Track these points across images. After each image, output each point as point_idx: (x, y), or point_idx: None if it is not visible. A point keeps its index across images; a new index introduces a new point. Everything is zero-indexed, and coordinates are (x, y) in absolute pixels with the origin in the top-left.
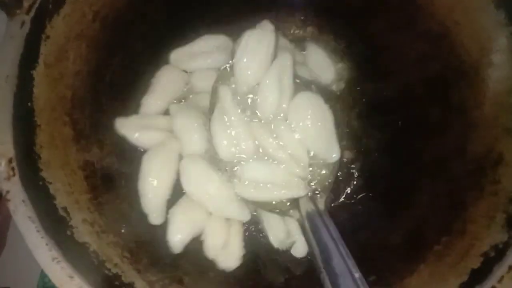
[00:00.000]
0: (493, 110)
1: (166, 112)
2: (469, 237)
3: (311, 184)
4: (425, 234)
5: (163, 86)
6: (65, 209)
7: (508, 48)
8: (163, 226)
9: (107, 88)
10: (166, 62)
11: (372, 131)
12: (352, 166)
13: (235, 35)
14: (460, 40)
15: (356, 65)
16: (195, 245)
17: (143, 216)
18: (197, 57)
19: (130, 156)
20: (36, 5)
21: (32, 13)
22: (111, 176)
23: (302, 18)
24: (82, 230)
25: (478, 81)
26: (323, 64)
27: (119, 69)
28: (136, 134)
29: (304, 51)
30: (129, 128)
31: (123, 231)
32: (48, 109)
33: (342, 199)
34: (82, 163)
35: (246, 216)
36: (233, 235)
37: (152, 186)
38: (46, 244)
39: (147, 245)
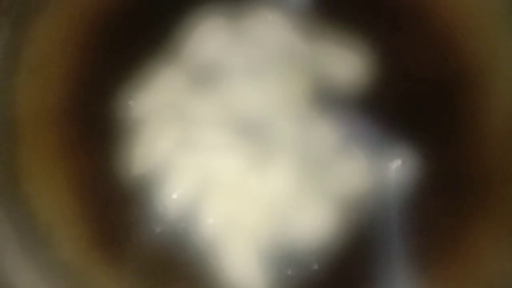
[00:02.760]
0: (502, 123)
1: None
2: (471, 259)
3: None
4: (426, 251)
5: (163, 83)
6: (48, 225)
7: None
8: (151, 234)
9: (97, 92)
10: (161, 60)
11: None
12: None
13: None
14: (467, 46)
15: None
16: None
17: (135, 226)
18: (201, 47)
19: (118, 164)
20: (16, 5)
21: (11, 15)
22: (99, 185)
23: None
24: (66, 247)
25: (486, 90)
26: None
27: (111, 72)
28: None
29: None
30: None
31: (109, 244)
32: (31, 118)
33: None
34: (70, 173)
35: None
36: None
37: None
38: (24, 267)
39: (137, 258)
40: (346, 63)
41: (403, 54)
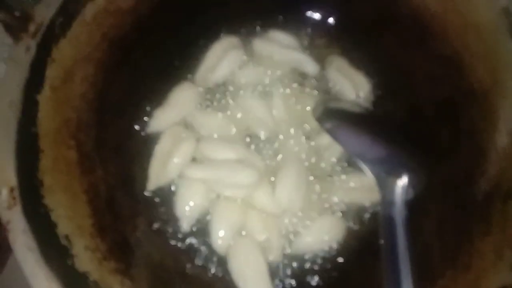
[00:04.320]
0: (504, 140)
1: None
2: (474, 274)
3: None
4: (430, 265)
5: (178, 100)
6: (67, 236)
7: None
8: (164, 246)
9: (113, 107)
10: (175, 78)
11: None
12: None
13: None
14: (470, 65)
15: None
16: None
17: (146, 239)
18: (216, 67)
19: (133, 177)
20: (43, 29)
21: (38, 38)
22: (114, 197)
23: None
24: (84, 258)
25: (489, 108)
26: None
27: (126, 87)
28: None
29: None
30: None
31: (124, 255)
32: (52, 133)
33: None
34: (86, 186)
35: None
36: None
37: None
38: (45, 276)
39: (151, 268)
40: (354, 83)
41: (409, 73)
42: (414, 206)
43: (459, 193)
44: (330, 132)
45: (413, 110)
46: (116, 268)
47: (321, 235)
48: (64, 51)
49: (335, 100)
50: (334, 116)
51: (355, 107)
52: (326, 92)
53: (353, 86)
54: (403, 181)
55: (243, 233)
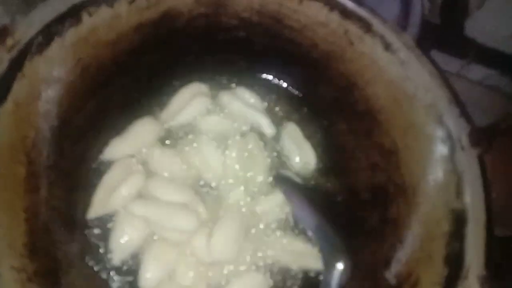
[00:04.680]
0: (421, 234)
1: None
2: None
3: None
4: None
5: (137, 133)
6: None
7: (442, 181)
8: (92, 279)
9: (72, 131)
10: (141, 112)
11: None
12: None
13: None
14: (406, 161)
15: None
16: None
17: (78, 267)
18: (181, 109)
19: (78, 198)
20: (20, 46)
21: (13, 53)
22: (53, 220)
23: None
24: (8, 278)
25: (414, 203)
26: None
27: (90, 114)
28: None
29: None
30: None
31: (49, 280)
32: (6, 148)
33: None
34: (28, 204)
35: None
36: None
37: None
38: None
39: None
40: (302, 151)
41: (354, 158)
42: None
43: (376, 276)
44: (284, 194)
45: (351, 192)
46: None
47: None
48: (37, 69)
49: (284, 166)
50: (281, 179)
51: (299, 179)
52: (278, 155)
53: (300, 154)
54: (340, 266)
55: (171, 276)
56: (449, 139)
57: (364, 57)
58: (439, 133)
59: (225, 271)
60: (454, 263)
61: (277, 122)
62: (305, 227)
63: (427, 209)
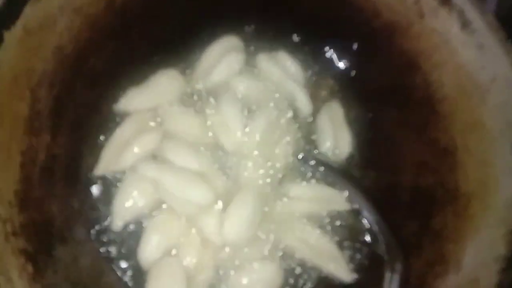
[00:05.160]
0: (469, 254)
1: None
2: None
3: None
4: None
5: (158, 86)
6: None
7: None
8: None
9: (87, 72)
10: (165, 64)
11: None
12: None
13: None
14: (464, 163)
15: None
16: None
17: (69, 226)
18: (213, 67)
19: (81, 154)
20: None
21: None
22: (52, 170)
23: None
24: None
25: (466, 215)
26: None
27: (109, 57)
28: None
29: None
30: None
31: (38, 237)
32: (8, 79)
33: None
34: (25, 147)
35: None
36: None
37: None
38: None
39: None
40: (338, 139)
41: (398, 152)
42: None
43: None
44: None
45: (390, 191)
46: (23, 249)
47: (255, 283)
48: None
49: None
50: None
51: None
52: (308, 135)
53: (334, 139)
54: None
55: (173, 252)
56: None
57: (435, 35)
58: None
59: (235, 256)
60: None
61: (316, 99)
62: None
63: (481, 225)
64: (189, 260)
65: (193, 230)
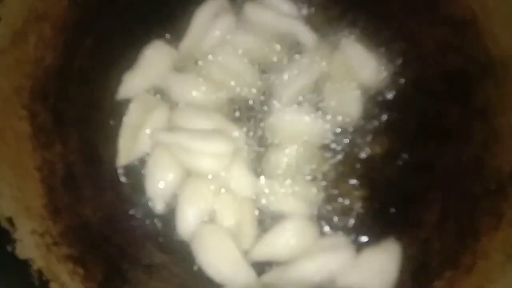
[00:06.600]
0: None
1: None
2: (477, 276)
3: None
4: (427, 263)
5: (149, 62)
6: (9, 219)
7: None
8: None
9: (76, 74)
10: (148, 38)
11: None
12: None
13: None
14: (489, 28)
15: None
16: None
17: (108, 222)
18: (204, 34)
19: (98, 153)
20: None
21: None
22: (74, 176)
23: None
24: (28, 243)
25: (508, 80)
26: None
27: (92, 51)
28: None
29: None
30: None
31: (80, 240)
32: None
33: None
34: (40, 162)
35: None
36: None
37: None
38: None
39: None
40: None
41: (417, 42)
42: (413, 195)
43: (466, 181)
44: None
45: (419, 85)
46: (67, 255)
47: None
48: (11, 8)
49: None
50: None
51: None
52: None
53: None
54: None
55: (209, 218)
56: None
57: None
58: None
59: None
60: None
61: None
62: None
63: None
64: (228, 221)
65: (223, 190)
